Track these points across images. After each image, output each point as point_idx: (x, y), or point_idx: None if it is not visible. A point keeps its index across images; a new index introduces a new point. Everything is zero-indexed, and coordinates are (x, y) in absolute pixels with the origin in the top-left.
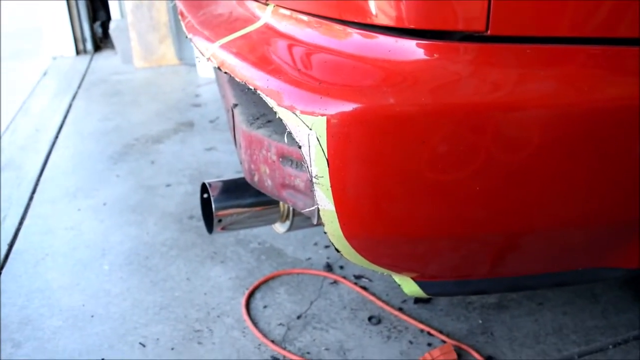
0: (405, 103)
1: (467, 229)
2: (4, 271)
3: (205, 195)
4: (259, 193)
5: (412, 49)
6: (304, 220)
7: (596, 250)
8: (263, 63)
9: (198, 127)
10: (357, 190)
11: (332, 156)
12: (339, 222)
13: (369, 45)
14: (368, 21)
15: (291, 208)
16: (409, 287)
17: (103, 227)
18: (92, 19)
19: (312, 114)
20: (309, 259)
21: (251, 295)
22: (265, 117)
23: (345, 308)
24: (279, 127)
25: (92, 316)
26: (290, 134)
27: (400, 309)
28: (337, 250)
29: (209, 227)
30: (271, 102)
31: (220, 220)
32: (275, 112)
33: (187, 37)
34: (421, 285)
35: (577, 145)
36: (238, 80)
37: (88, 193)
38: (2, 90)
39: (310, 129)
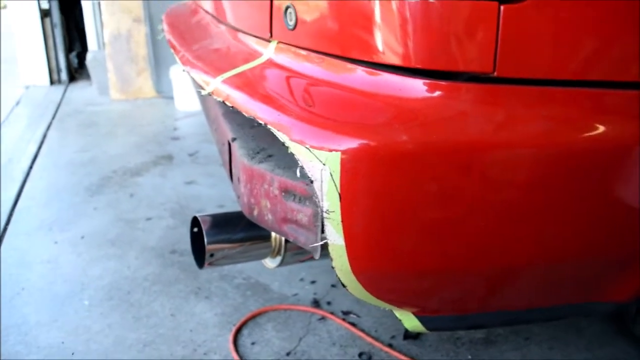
0: (417, 140)
1: (471, 263)
2: None
3: (196, 229)
4: (250, 228)
5: (421, 88)
6: (294, 255)
7: (588, 284)
8: (273, 98)
9: (177, 161)
10: (368, 226)
11: (344, 191)
12: (348, 256)
13: (378, 82)
14: (378, 60)
15: (283, 243)
16: (410, 322)
17: (81, 260)
18: (68, 49)
19: (326, 149)
20: (296, 294)
21: (238, 331)
22: (265, 151)
23: (335, 344)
24: (281, 162)
25: (73, 354)
26: (302, 168)
27: (390, 345)
28: (343, 285)
29: (200, 261)
30: (282, 137)
31: (212, 255)
32: (286, 147)
33: (183, 70)
34: (421, 320)
35: (577, 183)
36: (246, 114)
37: (65, 225)
38: None
39: (324, 164)
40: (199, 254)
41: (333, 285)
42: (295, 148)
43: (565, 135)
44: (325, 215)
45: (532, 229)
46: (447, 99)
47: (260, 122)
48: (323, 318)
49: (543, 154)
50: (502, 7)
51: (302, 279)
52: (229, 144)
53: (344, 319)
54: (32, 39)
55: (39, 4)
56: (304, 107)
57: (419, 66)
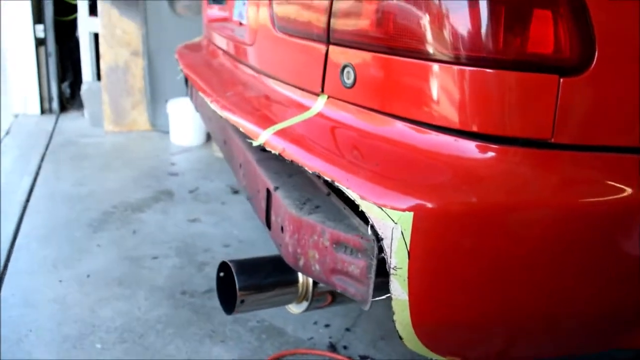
0: (483, 201)
1: (522, 315)
2: None
3: (222, 274)
4: (277, 273)
5: (485, 152)
6: (319, 301)
7: (614, 333)
8: (338, 156)
9: (178, 197)
10: (432, 282)
11: (413, 249)
12: (410, 311)
13: (441, 144)
14: (442, 124)
15: (310, 289)
16: None
17: (89, 300)
18: (61, 79)
19: (399, 209)
20: (311, 338)
21: None
22: (311, 202)
23: None
24: (330, 214)
25: None
26: (372, 226)
27: None
28: (400, 338)
29: (229, 308)
30: (353, 196)
31: (242, 301)
32: (330, 200)
33: (220, 116)
34: None
35: (618, 243)
36: (308, 170)
37: (68, 263)
38: None
39: (396, 223)
40: (228, 300)
41: (347, 329)
42: (366, 207)
43: (617, 197)
44: (392, 271)
45: (580, 283)
46: (508, 163)
47: (327, 179)
48: None
49: (595, 214)
50: (561, 80)
51: (315, 322)
52: (269, 192)
53: None
54: (25, 67)
55: (34, 32)
56: (372, 167)
57: (482, 131)
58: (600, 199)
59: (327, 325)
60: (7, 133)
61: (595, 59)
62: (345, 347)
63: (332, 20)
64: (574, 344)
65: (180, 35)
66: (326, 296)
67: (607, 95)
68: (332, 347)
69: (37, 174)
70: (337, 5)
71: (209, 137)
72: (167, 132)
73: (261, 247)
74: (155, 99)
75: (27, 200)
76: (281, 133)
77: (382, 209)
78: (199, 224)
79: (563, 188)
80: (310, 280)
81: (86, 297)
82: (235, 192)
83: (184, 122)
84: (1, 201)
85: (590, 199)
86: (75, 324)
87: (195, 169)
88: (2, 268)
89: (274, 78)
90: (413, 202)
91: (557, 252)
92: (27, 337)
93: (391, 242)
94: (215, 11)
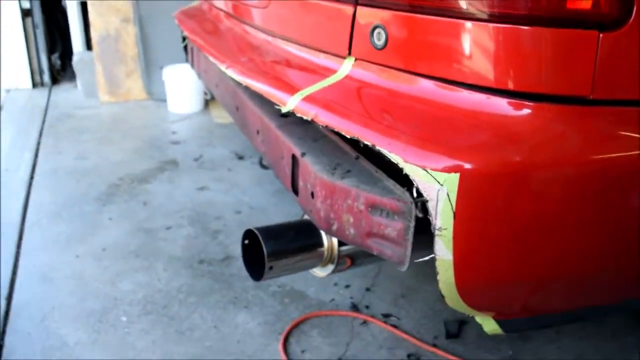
0: (527, 160)
1: (558, 271)
2: (8, 329)
3: (247, 242)
4: (302, 238)
5: (525, 110)
6: (342, 264)
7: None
8: (376, 120)
9: (183, 166)
10: (477, 242)
11: (459, 210)
12: (454, 270)
13: (482, 104)
14: (481, 83)
15: (335, 252)
16: (489, 325)
17: (108, 274)
18: (50, 51)
19: (444, 170)
20: (333, 300)
21: (286, 340)
22: (341, 167)
23: (382, 348)
24: (363, 177)
25: None
26: (417, 188)
27: (434, 345)
28: (442, 296)
29: (257, 274)
30: (396, 159)
31: (271, 268)
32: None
33: (239, 83)
34: (500, 323)
35: None
36: (347, 135)
37: (82, 238)
38: None
39: (442, 185)
40: (255, 267)
41: (367, 289)
42: (409, 169)
43: None
44: (437, 232)
45: (611, 238)
46: (546, 120)
47: (367, 143)
48: (365, 322)
49: (634, 169)
50: (600, 35)
51: (336, 284)
52: (295, 159)
53: (385, 322)
54: (13, 40)
55: (20, 3)
56: (412, 130)
57: (519, 89)
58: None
59: (347, 286)
60: (1, 109)
61: (634, 12)
62: (367, 307)
63: None
64: (594, 295)
65: None
66: (346, 259)
67: None
68: (355, 307)
69: (37, 149)
70: None
71: (207, 104)
72: (164, 100)
73: (272, 212)
74: (149, 66)
75: (32, 177)
76: (310, 98)
77: (427, 172)
78: (207, 192)
79: (604, 143)
80: (335, 244)
81: (104, 271)
82: (241, 157)
83: (182, 89)
84: (5, 179)
85: (628, 152)
86: (97, 298)
87: (197, 136)
88: (15, 247)
89: (293, 42)
90: (459, 163)
91: (598, 208)
92: (51, 314)
93: (437, 203)
94: None
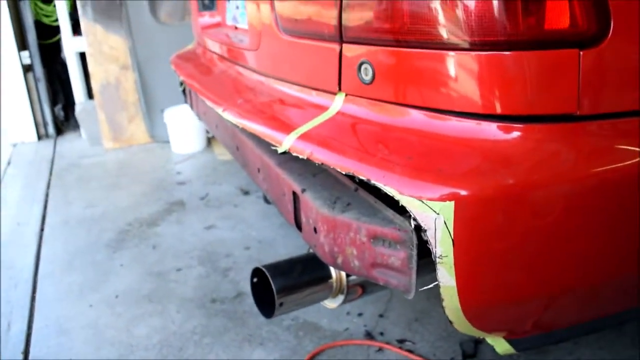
0: (521, 182)
1: (566, 286)
2: None
3: (255, 280)
4: (310, 271)
5: (514, 133)
6: (352, 293)
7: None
8: (370, 154)
9: (190, 206)
10: (479, 266)
11: (457, 236)
12: (459, 296)
13: (472, 130)
14: (468, 110)
15: (344, 283)
16: (501, 346)
17: (123, 321)
18: (52, 103)
19: (439, 199)
20: (347, 329)
21: None
22: (341, 200)
23: None
24: (363, 209)
25: None
26: (415, 219)
27: None
28: (450, 322)
29: (268, 312)
30: (392, 192)
31: (281, 304)
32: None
33: (237, 127)
34: (512, 342)
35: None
36: (341, 171)
37: (95, 287)
38: None
39: (438, 214)
40: (266, 304)
41: (380, 315)
42: (406, 201)
43: None
44: (438, 260)
45: (614, 250)
46: (536, 140)
47: (362, 178)
48: (380, 349)
49: (626, 179)
50: (581, 53)
51: (348, 313)
52: (296, 195)
53: (400, 347)
54: (16, 96)
55: (20, 59)
56: (405, 161)
57: (505, 113)
58: (630, 162)
59: (360, 314)
60: (9, 163)
61: (611, 28)
62: (381, 334)
63: (343, 19)
64: (606, 305)
65: (167, 43)
66: (357, 288)
67: (626, 61)
68: (369, 335)
69: (46, 201)
70: (347, 4)
71: (209, 141)
72: (167, 142)
73: (281, 245)
74: (150, 110)
75: (42, 229)
76: (305, 136)
77: (422, 202)
78: (215, 230)
79: (595, 157)
80: (344, 275)
81: (118, 318)
82: (246, 193)
83: (183, 129)
84: (17, 233)
85: (621, 163)
86: (112, 346)
87: (202, 175)
88: (30, 300)
89: (284, 81)
90: (452, 191)
91: (595, 221)
92: None
93: (435, 232)
94: (207, 18)
